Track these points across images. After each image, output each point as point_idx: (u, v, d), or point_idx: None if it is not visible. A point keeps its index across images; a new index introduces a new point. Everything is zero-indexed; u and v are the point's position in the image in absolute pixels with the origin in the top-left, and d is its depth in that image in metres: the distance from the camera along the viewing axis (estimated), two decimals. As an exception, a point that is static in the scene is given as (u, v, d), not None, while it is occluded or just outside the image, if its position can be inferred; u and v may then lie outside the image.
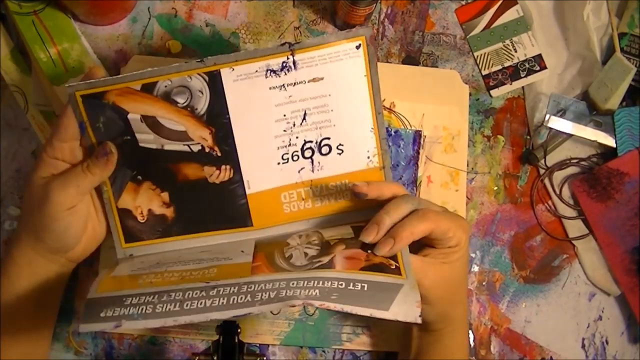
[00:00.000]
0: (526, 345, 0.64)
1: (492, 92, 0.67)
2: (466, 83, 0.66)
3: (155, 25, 0.65)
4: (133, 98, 0.51)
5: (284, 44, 0.49)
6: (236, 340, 0.46)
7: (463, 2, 0.68)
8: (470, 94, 0.66)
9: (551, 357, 0.64)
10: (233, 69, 0.50)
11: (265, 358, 0.50)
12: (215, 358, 0.45)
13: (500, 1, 0.68)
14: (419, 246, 0.51)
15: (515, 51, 0.67)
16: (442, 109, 0.65)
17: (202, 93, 0.51)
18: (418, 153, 0.63)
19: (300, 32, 0.66)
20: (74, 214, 0.50)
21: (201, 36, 0.65)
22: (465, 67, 0.67)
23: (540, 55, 0.67)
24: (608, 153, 0.66)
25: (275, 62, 0.50)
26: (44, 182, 0.50)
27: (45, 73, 0.60)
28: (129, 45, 0.64)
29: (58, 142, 0.50)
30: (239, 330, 0.46)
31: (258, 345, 0.62)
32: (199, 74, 0.50)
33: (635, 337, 0.65)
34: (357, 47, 0.51)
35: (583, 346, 0.65)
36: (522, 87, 0.67)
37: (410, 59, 0.67)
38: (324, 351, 0.62)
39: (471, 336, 0.64)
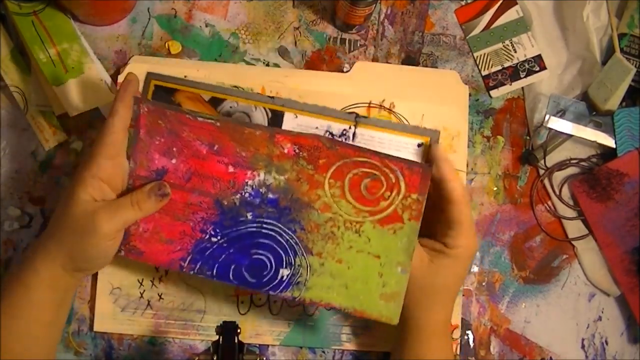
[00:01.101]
0: (526, 345, 0.64)
1: (492, 92, 0.67)
2: (466, 83, 0.66)
3: (155, 26, 0.65)
4: (198, 106, 0.53)
5: (352, 113, 0.52)
6: (236, 341, 0.46)
7: (463, 3, 0.68)
8: (469, 95, 0.66)
9: (551, 357, 0.64)
10: (297, 117, 0.52)
11: (265, 358, 0.50)
12: (215, 358, 0.45)
13: (500, 2, 0.68)
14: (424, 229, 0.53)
15: (515, 52, 0.67)
16: (441, 110, 0.65)
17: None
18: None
19: (300, 33, 0.66)
20: (114, 242, 0.52)
21: (201, 37, 0.65)
22: (465, 68, 0.67)
23: (540, 56, 0.67)
24: (608, 153, 0.66)
25: (337, 127, 0.53)
26: (89, 209, 0.50)
27: (45, 73, 0.60)
28: (128, 45, 0.64)
29: (104, 160, 0.50)
30: (238, 331, 0.46)
31: (258, 345, 0.62)
32: (265, 108, 0.52)
33: (635, 338, 0.65)
34: (419, 146, 0.53)
35: (583, 346, 0.65)
36: (522, 87, 0.67)
37: (410, 60, 0.67)
38: (323, 351, 0.62)
39: (471, 336, 0.64)
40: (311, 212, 0.54)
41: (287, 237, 0.54)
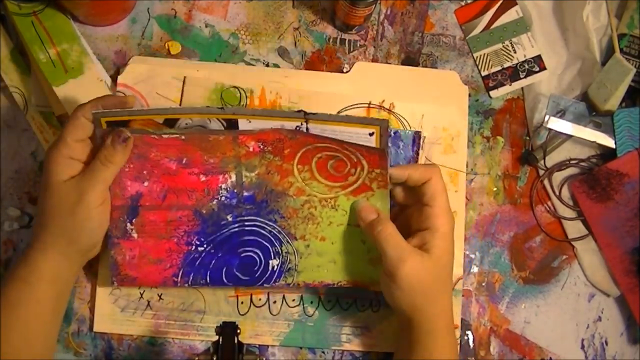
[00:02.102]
0: (526, 346, 0.64)
1: (492, 93, 0.67)
2: (465, 84, 0.66)
3: (155, 26, 0.65)
4: (154, 129, 0.53)
5: (299, 111, 0.53)
6: (236, 341, 0.46)
7: (462, 3, 0.68)
8: (469, 95, 0.66)
9: (550, 357, 0.64)
10: (250, 121, 0.53)
11: (264, 359, 0.50)
12: (214, 359, 0.45)
13: (500, 2, 0.68)
14: (407, 234, 0.54)
15: (515, 52, 0.67)
16: (441, 110, 0.65)
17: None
18: (417, 154, 0.63)
19: (299, 33, 0.66)
20: (104, 207, 0.53)
21: (200, 37, 0.65)
22: (464, 68, 0.67)
23: (539, 56, 0.67)
24: (607, 154, 0.66)
25: (289, 125, 0.53)
26: (70, 185, 0.51)
27: (45, 74, 0.61)
28: (128, 46, 0.64)
29: (74, 142, 0.51)
30: (238, 331, 0.46)
31: (257, 346, 0.62)
32: (218, 119, 0.53)
33: (634, 338, 0.65)
34: (370, 135, 0.53)
35: (582, 347, 0.65)
36: (522, 88, 0.67)
37: (410, 60, 0.67)
38: (323, 352, 0.62)
39: (471, 337, 0.64)
40: (287, 199, 0.56)
41: (270, 229, 0.56)
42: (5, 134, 0.62)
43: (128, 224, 0.55)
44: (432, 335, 0.53)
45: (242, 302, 0.62)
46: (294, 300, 0.62)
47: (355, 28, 0.65)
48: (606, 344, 0.65)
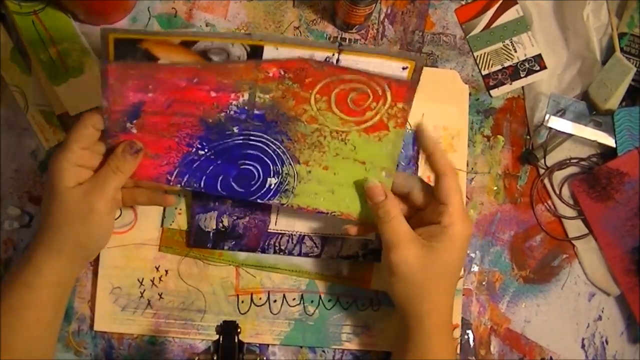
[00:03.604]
0: (526, 345, 0.64)
1: (492, 92, 0.67)
2: (466, 83, 0.66)
3: (155, 25, 0.65)
4: (168, 49, 0.49)
5: (335, 40, 0.50)
6: (236, 340, 0.46)
7: (463, 2, 0.68)
8: (470, 94, 0.66)
9: (551, 357, 0.64)
10: (277, 49, 0.49)
11: (265, 358, 0.50)
12: (215, 358, 0.45)
13: (500, 1, 0.68)
14: (416, 223, 0.53)
15: (515, 51, 0.67)
16: (442, 109, 0.65)
17: (239, 59, 0.50)
18: (418, 153, 0.63)
19: (300, 32, 0.66)
20: (113, 212, 0.53)
21: (201, 36, 0.65)
22: (465, 67, 0.67)
23: (540, 55, 0.67)
24: (608, 153, 0.66)
25: (319, 55, 0.50)
26: (78, 192, 0.50)
27: (45, 73, 0.60)
28: (128, 45, 0.64)
29: (80, 149, 0.50)
30: (238, 330, 0.46)
31: (258, 345, 0.62)
32: (243, 45, 0.49)
33: (635, 337, 0.65)
34: (403, 69, 0.51)
35: (583, 346, 0.65)
36: (522, 87, 0.67)
37: (410, 59, 0.67)
38: (323, 351, 0.62)
39: (471, 336, 0.64)
40: (298, 124, 0.54)
41: (275, 147, 0.55)
42: (6, 133, 0.62)
43: (128, 124, 0.52)
44: (425, 334, 0.52)
45: (242, 301, 0.62)
46: (294, 299, 0.62)
47: (355, 27, 0.65)
48: (606, 343, 0.65)
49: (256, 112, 0.53)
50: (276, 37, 0.51)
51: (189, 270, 0.61)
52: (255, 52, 0.49)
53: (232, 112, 0.53)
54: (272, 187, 0.56)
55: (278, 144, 0.54)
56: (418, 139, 0.55)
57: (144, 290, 0.61)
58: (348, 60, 0.50)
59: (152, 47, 0.48)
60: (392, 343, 0.62)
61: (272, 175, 0.55)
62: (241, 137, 0.54)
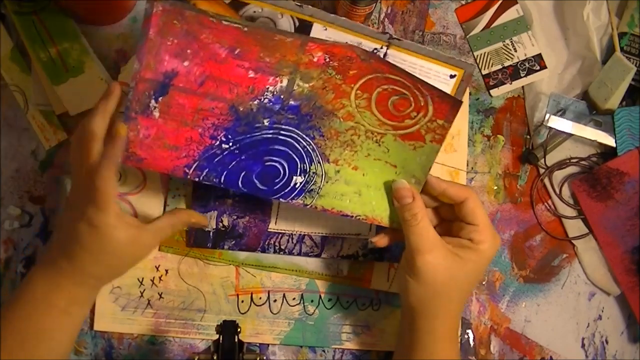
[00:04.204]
0: (526, 344, 0.64)
1: (492, 91, 0.67)
2: (466, 83, 0.66)
3: (155, 25, 0.65)
4: (217, 8, 0.47)
5: (386, 33, 0.48)
6: (236, 340, 0.46)
7: (463, 2, 0.68)
8: (470, 94, 0.66)
9: (551, 356, 0.64)
10: (326, 29, 0.48)
11: (265, 358, 0.50)
12: (215, 358, 0.45)
13: (500, 1, 0.68)
14: (444, 232, 0.53)
15: (515, 51, 0.67)
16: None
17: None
18: None
19: (300, 32, 0.66)
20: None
21: (201, 36, 0.65)
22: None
23: (540, 55, 0.67)
24: (608, 153, 0.66)
25: (368, 45, 0.48)
26: (128, 236, 0.48)
27: (45, 73, 0.60)
28: (129, 44, 0.64)
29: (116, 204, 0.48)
30: (238, 330, 0.46)
31: (258, 344, 0.62)
32: (292, 17, 0.47)
33: (635, 337, 0.65)
34: (451, 77, 0.49)
35: (583, 346, 0.65)
36: (522, 86, 0.67)
37: (410, 59, 0.67)
38: (324, 351, 0.62)
39: (471, 335, 0.64)
40: (333, 120, 0.51)
41: (305, 144, 0.52)
42: (6, 133, 0.62)
43: (152, 101, 0.49)
44: (433, 336, 0.52)
45: (242, 301, 0.62)
46: (294, 299, 0.62)
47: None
48: (606, 342, 0.65)
49: (292, 102, 0.50)
50: (327, 15, 0.48)
51: (189, 270, 0.61)
52: (303, 29, 0.47)
53: (266, 101, 0.50)
54: (297, 186, 0.53)
55: (309, 140, 0.52)
56: (425, 190, 0.53)
57: (144, 289, 0.61)
58: (395, 57, 0.48)
59: (201, 4, 0.46)
60: (394, 342, 0.62)
61: (298, 173, 0.53)
62: (271, 132, 0.51)
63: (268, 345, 0.62)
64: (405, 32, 0.67)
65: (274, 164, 0.52)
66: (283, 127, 0.51)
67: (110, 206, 0.47)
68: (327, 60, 0.48)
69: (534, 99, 0.66)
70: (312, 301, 0.62)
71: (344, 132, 0.52)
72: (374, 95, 0.50)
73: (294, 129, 0.51)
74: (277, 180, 0.53)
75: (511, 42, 0.67)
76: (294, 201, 0.53)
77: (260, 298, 0.62)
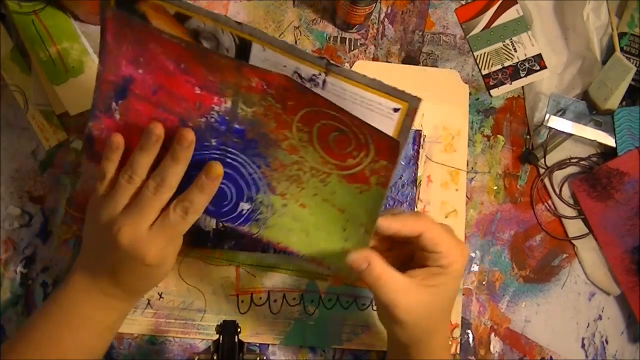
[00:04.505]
0: (526, 344, 0.64)
1: (492, 91, 0.67)
2: (466, 83, 0.66)
3: (155, 25, 0.65)
4: (163, 19, 0.47)
5: (323, 58, 0.45)
6: (236, 340, 0.46)
7: (463, 2, 0.68)
8: (470, 94, 0.66)
9: (551, 356, 0.64)
10: (265, 50, 0.46)
11: (265, 358, 0.50)
12: (215, 358, 0.45)
13: (500, 1, 0.68)
14: (407, 266, 0.50)
15: (515, 51, 0.67)
16: (442, 109, 0.65)
17: (227, 51, 0.47)
18: (418, 152, 0.63)
19: (300, 32, 0.66)
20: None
21: (201, 36, 0.65)
22: (465, 67, 0.67)
23: (540, 55, 0.67)
24: (608, 153, 0.66)
25: (306, 71, 0.46)
26: (165, 266, 0.48)
27: (45, 72, 0.60)
28: (128, 44, 0.64)
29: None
30: (239, 330, 0.46)
31: (258, 344, 0.62)
32: (232, 34, 0.46)
33: (635, 337, 0.65)
34: (395, 110, 0.45)
35: (583, 346, 0.65)
36: (522, 86, 0.67)
37: (410, 59, 0.67)
38: (324, 351, 0.62)
39: (471, 336, 0.64)
40: (278, 151, 0.48)
41: (251, 171, 0.50)
42: (6, 133, 0.62)
43: (114, 103, 0.49)
44: (429, 355, 0.51)
45: (242, 301, 0.62)
46: (294, 299, 0.62)
47: (355, 27, 0.65)
48: (606, 342, 0.65)
49: (236, 126, 0.48)
50: (266, 36, 0.46)
51: (189, 270, 0.61)
52: (243, 50, 0.46)
53: (212, 120, 0.48)
54: (243, 213, 0.51)
55: (255, 167, 0.50)
56: (382, 228, 0.49)
57: (144, 289, 0.61)
58: (335, 86, 0.45)
59: (149, 12, 0.46)
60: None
61: (244, 199, 0.50)
62: (218, 152, 0.49)
63: (268, 345, 0.62)
64: (405, 32, 0.67)
65: (222, 185, 0.50)
66: (230, 149, 0.49)
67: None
68: (265, 87, 0.46)
69: (534, 99, 0.66)
70: (312, 301, 0.62)
71: (289, 166, 0.49)
72: (314, 130, 0.47)
73: (239, 154, 0.50)
74: (224, 203, 0.51)
75: (511, 42, 0.67)
76: (241, 227, 0.52)
77: (260, 298, 0.62)
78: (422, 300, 0.48)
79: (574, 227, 0.66)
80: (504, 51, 0.67)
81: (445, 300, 0.51)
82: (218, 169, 0.47)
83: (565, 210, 0.66)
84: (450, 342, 0.63)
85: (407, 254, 0.52)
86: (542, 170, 0.66)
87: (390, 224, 0.48)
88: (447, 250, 0.48)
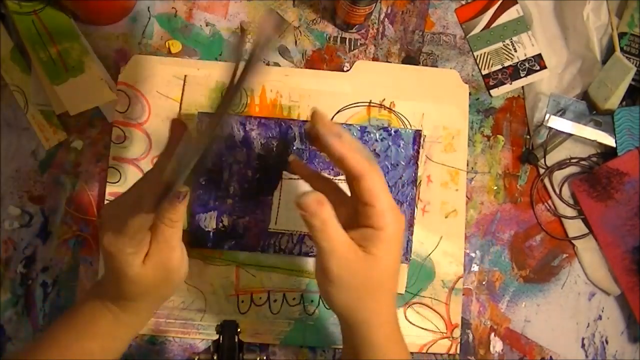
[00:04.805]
0: (526, 344, 0.64)
1: (492, 91, 0.67)
2: (466, 83, 0.66)
3: (155, 25, 0.65)
4: None
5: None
6: (236, 340, 0.46)
7: (463, 2, 0.68)
8: (470, 94, 0.66)
9: (551, 356, 0.64)
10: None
11: (265, 357, 0.50)
12: (215, 358, 0.45)
13: (500, 1, 0.68)
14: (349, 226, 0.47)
15: (515, 51, 0.67)
16: (442, 109, 0.65)
17: None
18: (418, 152, 0.63)
19: (300, 32, 0.66)
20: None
21: (201, 36, 0.65)
22: (465, 67, 0.67)
23: (540, 55, 0.67)
24: (608, 153, 0.66)
25: None
26: (151, 270, 0.47)
27: (45, 72, 0.60)
28: (128, 44, 0.64)
29: (137, 233, 0.47)
30: (238, 330, 0.46)
31: (258, 344, 0.62)
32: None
33: (635, 337, 0.65)
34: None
35: (583, 346, 0.65)
36: (522, 86, 0.67)
37: (410, 59, 0.67)
38: (324, 351, 0.62)
39: (471, 336, 0.64)
40: None
41: None
42: (6, 133, 0.62)
43: None
44: (370, 344, 0.47)
45: (242, 301, 0.62)
46: (294, 299, 0.62)
47: (355, 27, 0.65)
48: (606, 342, 0.65)
49: None
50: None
51: (189, 270, 0.61)
52: None
53: None
54: None
55: None
56: (325, 141, 0.45)
57: (144, 289, 0.61)
58: None
59: None
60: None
61: None
62: None
63: (268, 345, 0.62)
64: (405, 32, 0.67)
65: None
66: None
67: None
68: None
69: (534, 99, 0.66)
70: (312, 301, 0.62)
71: None
72: None
73: None
74: None
75: (511, 42, 0.67)
76: None
77: (260, 298, 0.62)
78: (357, 259, 0.45)
79: (574, 227, 0.66)
80: (504, 51, 0.67)
81: (383, 272, 0.46)
82: None
83: (565, 210, 0.66)
84: (450, 342, 0.63)
85: (350, 216, 0.48)
86: (542, 170, 0.66)
87: (340, 146, 0.45)
88: (381, 210, 0.45)
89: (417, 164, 0.63)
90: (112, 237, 0.45)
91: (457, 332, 0.63)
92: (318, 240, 0.45)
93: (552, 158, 0.66)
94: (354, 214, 0.47)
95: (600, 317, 0.65)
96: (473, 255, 0.65)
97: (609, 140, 0.65)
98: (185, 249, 0.50)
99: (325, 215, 0.45)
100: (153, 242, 0.47)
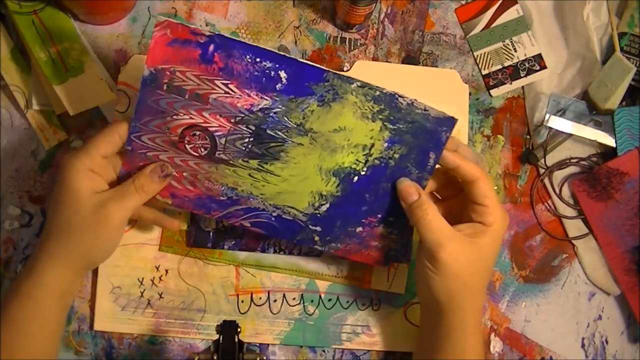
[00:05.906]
0: (526, 344, 0.64)
1: (492, 91, 0.67)
2: (466, 83, 0.66)
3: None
4: None
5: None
6: (236, 340, 0.46)
7: (463, 2, 0.68)
8: (470, 94, 0.66)
9: (551, 356, 0.64)
10: None
11: (265, 357, 0.50)
12: (215, 358, 0.45)
13: (500, 1, 0.68)
14: (455, 221, 0.52)
15: (515, 51, 0.67)
16: (441, 109, 0.65)
17: None
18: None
19: (300, 32, 0.66)
20: (123, 228, 0.52)
21: (201, 36, 0.65)
22: (465, 67, 0.67)
23: (540, 55, 0.67)
24: (608, 153, 0.66)
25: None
26: (95, 203, 0.49)
27: (45, 72, 0.60)
28: (128, 44, 0.64)
29: (99, 156, 0.50)
30: (238, 330, 0.46)
31: (258, 344, 0.62)
32: None
33: (635, 337, 0.65)
34: None
35: (583, 346, 0.65)
36: (522, 86, 0.67)
37: (410, 59, 0.67)
38: (324, 351, 0.62)
39: (471, 336, 0.64)
40: None
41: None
42: (6, 133, 0.62)
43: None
44: (463, 331, 0.52)
45: (242, 301, 0.62)
46: (294, 299, 0.62)
47: (355, 27, 0.65)
48: (606, 342, 0.65)
49: None
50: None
51: (189, 270, 0.61)
52: None
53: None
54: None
55: None
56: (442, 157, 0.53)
57: (144, 289, 0.61)
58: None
59: None
60: (394, 342, 0.62)
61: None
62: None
63: (268, 345, 0.62)
64: (405, 32, 0.67)
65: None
66: None
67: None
68: None
69: (534, 99, 0.66)
70: (312, 301, 0.62)
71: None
72: None
73: None
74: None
75: (511, 42, 0.67)
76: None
77: (260, 298, 0.62)
78: (466, 251, 0.50)
79: (574, 227, 0.66)
80: (504, 51, 0.67)
81: (485, 261, 0.53)
82: None
83: (565, 210, 0.66)
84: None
85: (455, 210, 0.54)
86: (542, 170, 0.66)
87: (455, 159, 0.52)
88: (493, 207, 0.51)
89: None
90: (74, 153, 0.49)
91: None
92: (424, 233, 0.51)
93: (552, 158, 0.66)
94: (459, 209, 0.54)
95: (600, 317, 0.65)
96: (473, 255, 0.65)
97: (609, 140, 0.65)
98: (123, 234, 0.52)
99: (426, 207, 0.51)
100: (112, 190, 0.51)
